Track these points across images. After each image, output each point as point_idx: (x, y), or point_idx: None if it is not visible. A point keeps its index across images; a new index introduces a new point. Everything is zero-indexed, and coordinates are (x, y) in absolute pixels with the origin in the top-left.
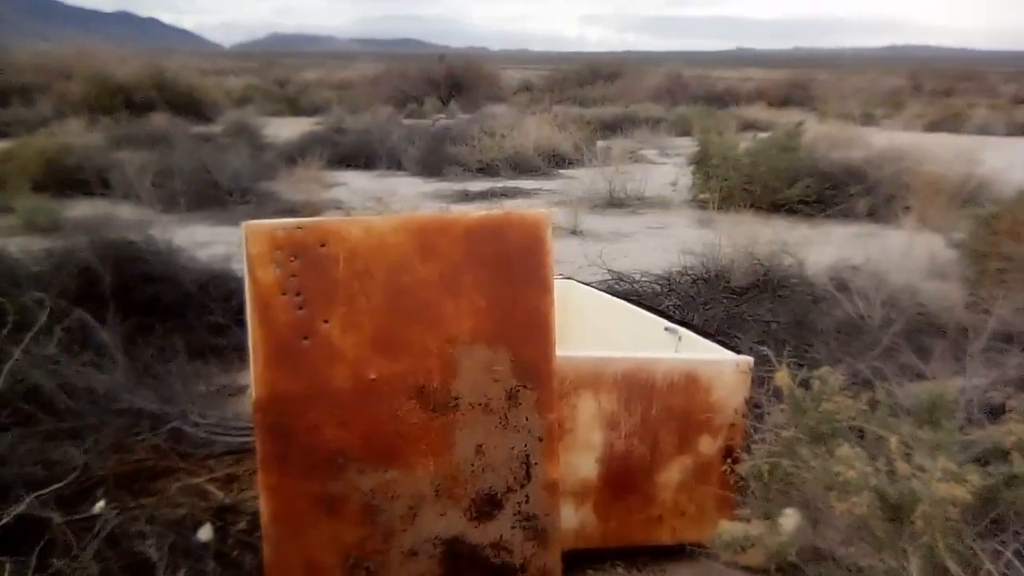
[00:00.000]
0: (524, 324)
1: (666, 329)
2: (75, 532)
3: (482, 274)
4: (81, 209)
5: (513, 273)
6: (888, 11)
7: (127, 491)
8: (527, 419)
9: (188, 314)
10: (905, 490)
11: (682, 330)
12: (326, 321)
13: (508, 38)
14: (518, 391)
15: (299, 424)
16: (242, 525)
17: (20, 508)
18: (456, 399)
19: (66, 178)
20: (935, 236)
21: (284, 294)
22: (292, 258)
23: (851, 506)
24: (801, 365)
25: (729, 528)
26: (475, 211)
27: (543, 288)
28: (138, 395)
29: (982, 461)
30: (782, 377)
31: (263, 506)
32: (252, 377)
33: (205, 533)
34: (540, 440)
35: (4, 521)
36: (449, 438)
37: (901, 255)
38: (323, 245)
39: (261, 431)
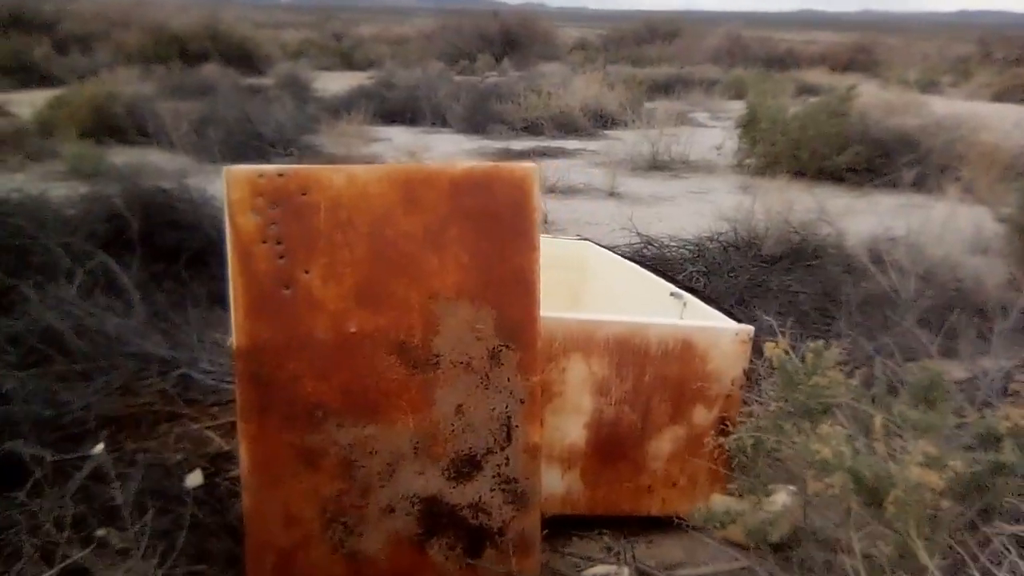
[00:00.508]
0: (509, 282)
1: (672, 294)
2: (67, 472)
3: (467, 228)
4: (124, 156)
5: (499, 229)
6: None
7: (129, 434)
8: (509, 380)
9: (212, 262)
10: (882, 472)
11: (688, 296)
12: (307, 271)
13: None
14: (501, 351)
15: (279, 375)
16: (235, 473)
17: (12, 446)
18: (437, 356)
19: (113, 126)
20: (983, 209)
21: (264, 242)
22: (273, 205)
23: (826, 486)
24: (819, 338)
25: (711, 503)
26: (461, 162)
27: (529, 245)
28: (150, 340)
29: (978, 447)
30: (772, 348)
31: (242, 455)
32: (233, 325)
33: (194, 479)
34: (522, 402)
35: None
36: (429, 396)
37: (945, 228)
38: (304, 193)
39: (241, 380)
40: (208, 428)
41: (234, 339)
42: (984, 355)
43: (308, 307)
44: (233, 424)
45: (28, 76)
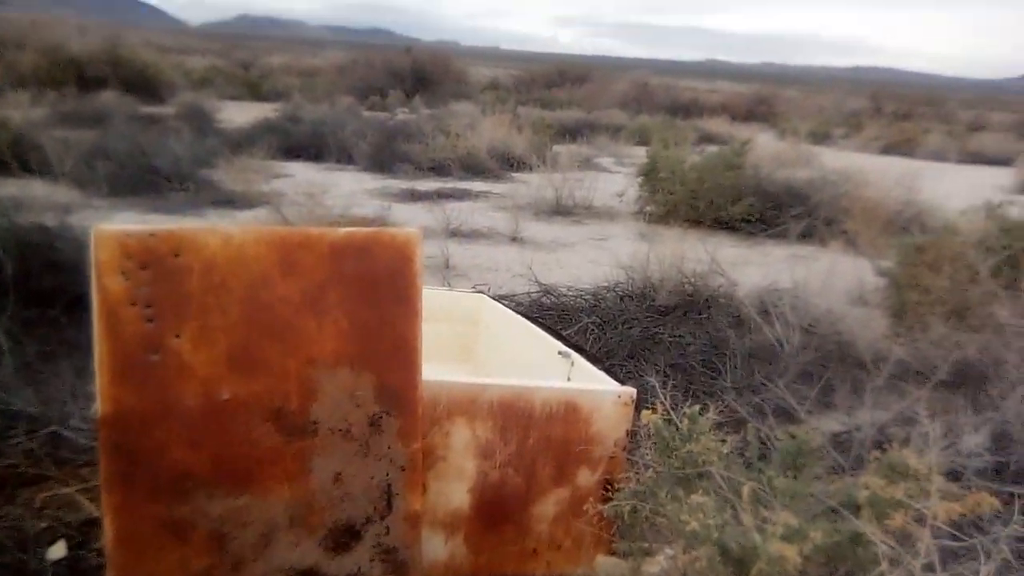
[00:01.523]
0: (389, 348)
1: (559, 353)
2: None
3: (347, 294)
4: (7, 189)
5: (380, 295)
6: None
7: None
8: (390, 447)
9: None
10: (747, 544)
11: (575, 355)
12: (177, 336)
13: (480, 35)
14: (381, 418)
15: (146, 443)
16: (102, 542)
17: None
18: (315, 423)
19: None
20: (865, 261)
21: (133, 305)
22: (143, 267)
23: (692, 559)
24: (704, 394)
25: (595, 565)
26: (342, 228)
27: (411, 312)
28: (18, 395)
29: (838, 513)
30: (648, 415)
31: (107, 528)
32: (97, 392)
33: (57, 551)
34: (403, 470)
35: None
36: (306, 464)
37: (828, 280)
38: (177, 255)
39: (106, 449)
40: (79, 491)
41: (98, 406)
42: (860, 408)
43: (178, 373)
44: None
45: None
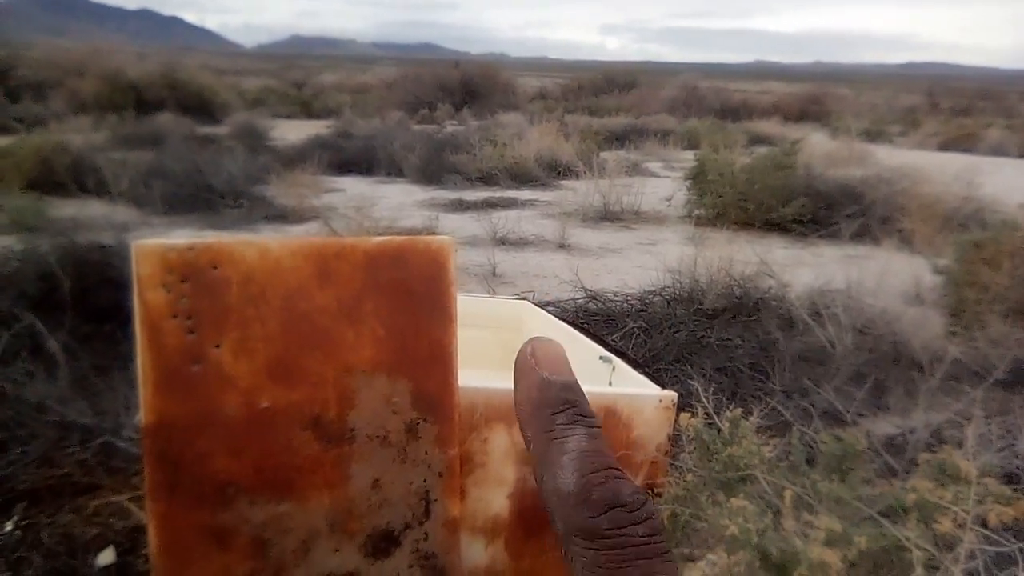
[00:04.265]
0: (425, 355)
1: (601, 358)
2: None
3: (382, 302)
4: (68, 209)
5: (415, 302)
6: (910, 28)
7: (45, 507)
8: (427, 453)
9: None
10: (788, 550)
11: (617, 360)
12: (217, 346)
13: (527, 45)
14: (418, 424)
15: (189, 452)
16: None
17: None
18: (353, 431)
19: (60, 177)
20: (922, 260)
21: (174, 317)
22: (183, 280)
23: (731, 563)
24: (752, 397)
25: None
26: (377, 236)
27: (446, 318)
28: (73, 407)
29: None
30: (688, 419)
31: (151, 537)
32: (141, 403)
33: (106, 557)
34: (440, 476)
35: None
36: (345, 471)
37: (883, 279)
38: (215, 267)
39: (150, 459)
40: (129, 499)
41: (142, 416)
42: (914, 409)
43: (219, 383)
44: None
45: None
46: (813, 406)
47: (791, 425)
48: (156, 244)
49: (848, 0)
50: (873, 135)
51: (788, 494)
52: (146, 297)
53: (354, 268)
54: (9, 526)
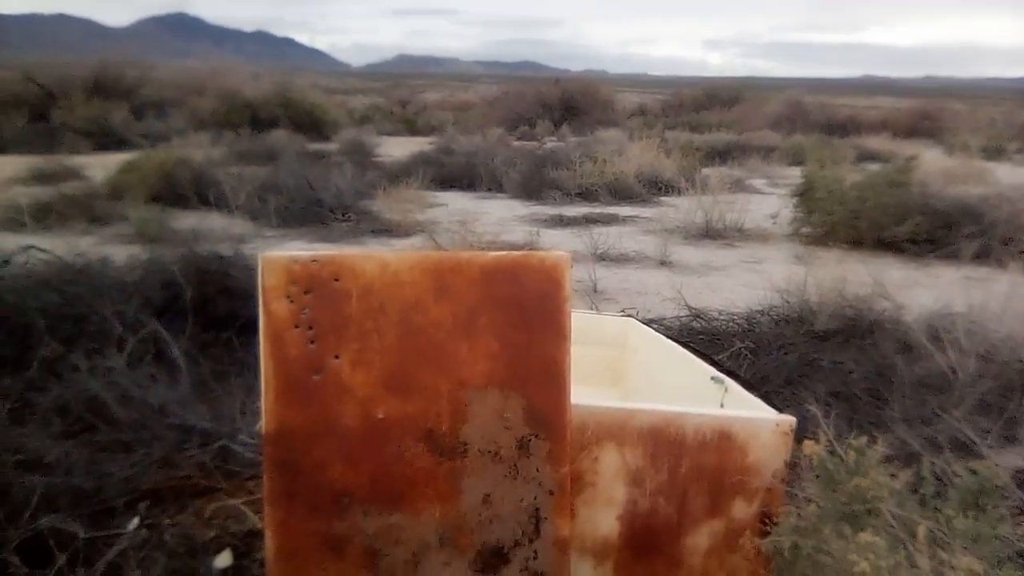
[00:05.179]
0: (538, 371)
1: (712, 379)
2: (99, 548)
3: (497, 317)
4: (188, 221)
5: (529, 317)
6: None
7: (166, 508)
8: (538, 471)
9: None
10: None
11: (729, 381)
12: (337, 357)
13: (628, 62)
14: (530, 441)
15: (307, 460)
16: (264, 553)
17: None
18: (465, 445)
19: (181, 190)
20: None
21: (297, 327)
22: (306, 292)
23: None
24: (869, 424)
25: None
26: (493, 252)
27: (559, 335)
28: (193, 411)
29: None
30: (810, 447)
31: (268, 542)
32: (263, 410)
33: (224, 559)
34: (551, 494)
35: (27, 534)
36: (456, 485)
37: (1008, 303)
38: (337, 280)
39: (269, 466)
40: (244, 503)
41: (263, 424)
42: None
43: (337, 393)
44: None
45: (106, 140)
46: (938, 435)
47: (918, 455)
48: (282, 256)
49: (965, 12)
50: (991, 152)
51: (921, 530)
52: (271, 307)
53: (470, 283)
54: (134, 523)
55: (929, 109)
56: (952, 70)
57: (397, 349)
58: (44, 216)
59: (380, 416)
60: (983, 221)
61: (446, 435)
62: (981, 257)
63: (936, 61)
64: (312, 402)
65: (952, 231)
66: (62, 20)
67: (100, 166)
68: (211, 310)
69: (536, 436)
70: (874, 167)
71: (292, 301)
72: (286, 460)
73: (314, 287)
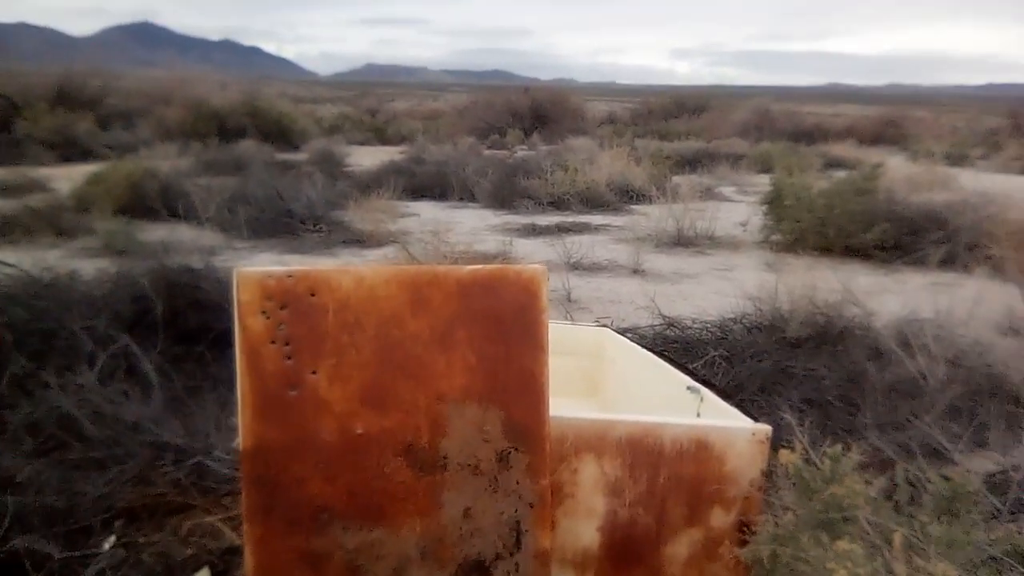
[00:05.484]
0: (516, 384)
1: (688, 388)
2: (74, 569)
3: (474, 330)
4: (157, 233)
5: (506, 330)
6: (990, 49)
7: (141, 526)
8: (518, 483)
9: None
10: None
11: (705, 390)
12: (314, 372)
13: (597, 71)
14: (509, 454)
15: (285, 477)
16: (243, 571)
17: (20, 542)
18: (445, 459)
19: (148, 202)
20: (1014, 288)
21: (273, 343)
22: (282, 307)
23: None
24: (843, 431)
25: None
26: (469, 265)
27: (537, 347)
28: (167, 427)
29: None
30: (787, 455)
31: (248, 559)
32: (240, 426)
33: None
34: (531, 506)
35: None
36: (436, 499)
37: (975, 308)
38: (313, 295)
39: (247, 482)
40: (221, 520)
41: (240, 440)
42: (1016, 446)
43: (315, 408)
44: None
45: (71, 151)
46: (910, 441)
47: (892, 462)
48: (257, 271)
49: (927, 21)
50: (955, 158)
51: (897, 536)
52: (247, 323)
53: (447, 296)
54: (110, 542)
55: (894, 116)
56: (916, 78)
57: (374, 363)
58: (9, 230)
59: (358, 431)
60: (948, 227)
61: (425, 449)
62: (947, 263)
63: (900, 69)
64: (289, 418)
65: (918, 237)
66: (24, 29)
67: (66, 178)
68: (182, 324)
69: (516, 449)
70: (840, 174)
71: (268, 316)
72: (264, 476)
73: (290, 302)
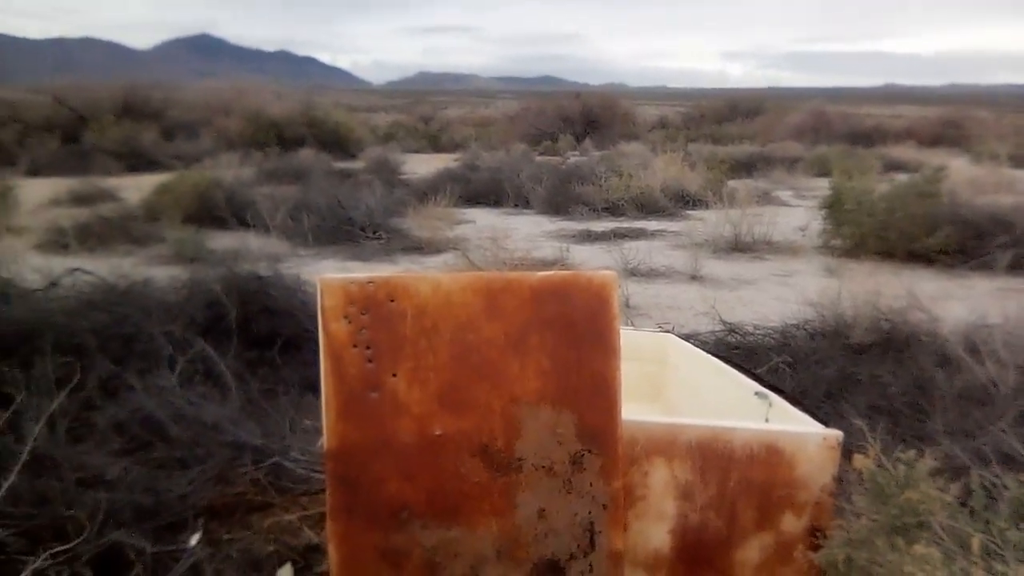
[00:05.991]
0: (589, 388)
1: (756, 394)
2: (165, 563)
3: (547, 335)
4: (224, 241)
5: (578, 335)
6: None
7: (223, 523)
8: (591, 485)
9: (304, 348)
10: None
11: (773, 395)
12: (394, 375)
13: (646, 75)
14: (582, 456)
15: (366, 476)
16: (322, 567)
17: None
18: (519, 460)
19: (215, 211)
20: None
21: (355, 347)
22: (363, 312)
23: None
24: (913, 438)
25: None
26: (540, 272)
27: (608, 351)
28: (244, 428)
29: None
30: (861, 460)
31: (331, 555)
32: (324, 428)
33: (285, 573)
34: (604, 507)
35: (96, 551)
36: (512, 499)
37: None
38: (392, 300)
39: (331, 481)
40: (299, 518)
41: (325, 440)
42: None
43: (394, 410)
44: (322, 515)
45: (137, 161)
46: (983, 448)
47: (965, 468)
48: (340, 279)
49: (980, 20)
50: (1018, 160)
51: (975, 541)
52: (330, 328)
53: (520, 302)
54: (196, 538)
55: (954, 117)
56: (974, 77)
57: (451, 367)
58: (86, 238)
59: (436, 432)
60: (1015, 231)
61: (501, 450)
62: (1015, 268)
63: (956, 69)
64: (371, 419)
65: (984, 241)
66: (89, 44)
67: (133, 187)
68: (253, 329)
69: (589, 451)
70: (901, 177)
71: (350, 321)
72: (347, 476)
73: (370, 308)
